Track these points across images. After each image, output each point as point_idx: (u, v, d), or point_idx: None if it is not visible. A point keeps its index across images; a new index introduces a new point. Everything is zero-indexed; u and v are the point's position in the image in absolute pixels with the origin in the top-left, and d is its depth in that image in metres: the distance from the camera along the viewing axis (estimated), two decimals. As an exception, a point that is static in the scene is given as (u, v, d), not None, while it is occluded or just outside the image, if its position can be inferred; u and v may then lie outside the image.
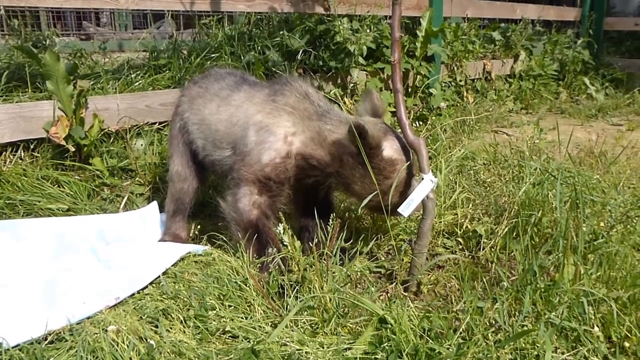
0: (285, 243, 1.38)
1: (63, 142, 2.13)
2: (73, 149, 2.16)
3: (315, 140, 1.50)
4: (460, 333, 1.16)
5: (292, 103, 1.54)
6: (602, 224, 1.58)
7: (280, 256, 1.41)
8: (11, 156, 2.18)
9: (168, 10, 4.01)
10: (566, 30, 5.23)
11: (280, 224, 1.40)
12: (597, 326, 1.18)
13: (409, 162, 1.49)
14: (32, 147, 2.22)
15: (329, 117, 1.52)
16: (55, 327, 1.25)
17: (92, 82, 2.55)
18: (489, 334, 1.15)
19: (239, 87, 1.70)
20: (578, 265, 1.31)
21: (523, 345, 1.12)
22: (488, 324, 1.20)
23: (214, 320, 1.25)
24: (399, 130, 1.54)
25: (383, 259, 1.66)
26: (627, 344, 1.16)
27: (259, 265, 1.44)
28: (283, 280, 1.35)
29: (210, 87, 1.76)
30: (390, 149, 1.47)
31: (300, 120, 1.52)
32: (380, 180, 1.45)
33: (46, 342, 1.23)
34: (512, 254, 1.55)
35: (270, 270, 1.41)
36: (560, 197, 1.60)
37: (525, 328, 1.16)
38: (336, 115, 1.54)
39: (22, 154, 2.20)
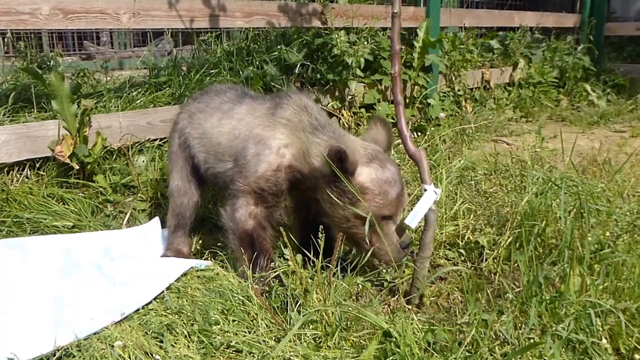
0: (286, 257, 1.38)
1: (68, 161, 2.16)
2: (77, 167, 2.18)
3: (302, 153, 1.51)
4: (466, 346, 1.15)
5: (287, 116, 1.56)
6: (608, 233, 1.56)
7: (277, 269, 1.42)
8: (18, 175, 2.21)
9: (168, 28, 4.07)
10: (566, 37, 5.24)
11: (280, 238, 1.40)
12: (605, 338, 1.16)
13: (386, 197, 1.42)
14: (37, 165, 2.25)
15: (321, 132, 1.51)
16: (63, 343, 1.27)
17: (95, 101, 2.59)
18: (495, 347, 1.14)
19: (240, 100, 1.73)
20: (584, 276, 1.30)
21: (530, 358, 1.11)
22: (494, 336, 1.19)
23: (218, 335, 1.25)
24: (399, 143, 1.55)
25: (384, 271, 1.65)
26: (636, 356, 1.14)
27: (256, 277, 1.45)
28: (285, 295, 1.35)
29: (211, 102, 1.79)
30: (366, 176, 1.43)
31: (293, 132, 1.53)
32: (345, 204, 1.42)
33: (55, 357, 1.24)
34: (516, 265, 1.54)
35: (266, 282, 1.42)
36: (565, 207, 1.59)
37: (531, 341, 1.15)
38: (330, 130, 1.52)
39: (29, 172, 2.23)
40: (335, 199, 1.43)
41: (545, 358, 1.09)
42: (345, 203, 1.42)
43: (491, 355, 1.12)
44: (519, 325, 1.23)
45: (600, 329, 1.18)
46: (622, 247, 1.47)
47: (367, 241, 1.45)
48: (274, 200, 1.53)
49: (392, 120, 3.21)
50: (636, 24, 5.76)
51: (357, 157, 1.43)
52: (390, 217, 1.47)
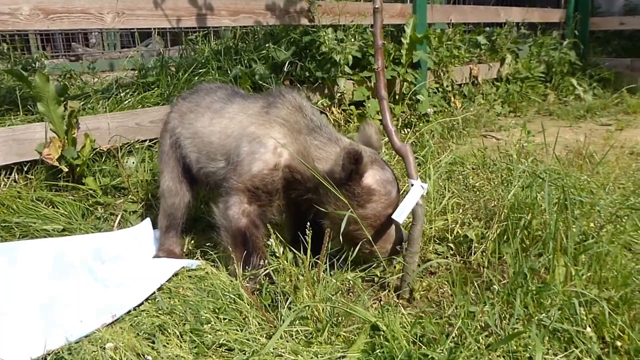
0: (277, 254, 1.39)
1: (56, 163, 2.14)
2: (66, 170, 2.17)
3: (301, 154, 1.52)
4: (453, 338, 1.17)
5: (283, 115, 1.56)
6: (591, 224, 1.60)
7: (267, 267, 1.43)
8: (5, 179, 2.19)
9: (155, 28, 4.04)
10: (551, 32, 5.30)
11: (271, 236, 1.41)
12: (590, 327, 1.19)
13: (390, 197, 1.48)
14: (25, 169, 2.23)
15: (318, 133, 1.53)
16: (54, 346, 1.26)
17: (82, 103, 2.57)
18: (481, 338, 1.16)
19: (231, 99, 1.73)
20: (569, 267, 1.33)
21: (515, 347, 1.13)
22: (480, 327, 1.21)
23: (210, 334, 1.26)
24: (386, 139, 1.56)
25: (374, 266, 1.67)
26: (619, 344, 1.17)
27: (247, 275, 1.46)
28: (275, 292, 1.36)
29: (201, 101, 1.79)
30: (371, 178, 1.47)
31: (291, 133, 1.54)
32: (354, 206, 1.46)
33: (46, 361, 1.23)
34: (503, 257, 1.56)
35: (257, 280, 1.43)
36: (549, 199, 1.62)
37: (516, 330, 1.17)
38: (326, 132, 1.55)
39: (16, 176, 2.21)
40: (342, 202, 1.45)
41: (530, 347, 1.12)
42: (354, 205, 1.45)
43: (477, 345, 1.14)
44: (505, 315, 1.25)
45: (585, 317, 1.21)
46: (605, 238, 1.50)
47: (371, 242, 1.47)
48: (268, 198, 1.53)
49: (379, 117, 3.24)
50: (620, 18, 5.84)
51: (366, 159, 1.46)
52: (391, 215, 1.50)
